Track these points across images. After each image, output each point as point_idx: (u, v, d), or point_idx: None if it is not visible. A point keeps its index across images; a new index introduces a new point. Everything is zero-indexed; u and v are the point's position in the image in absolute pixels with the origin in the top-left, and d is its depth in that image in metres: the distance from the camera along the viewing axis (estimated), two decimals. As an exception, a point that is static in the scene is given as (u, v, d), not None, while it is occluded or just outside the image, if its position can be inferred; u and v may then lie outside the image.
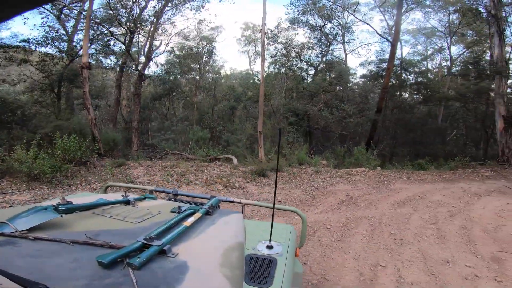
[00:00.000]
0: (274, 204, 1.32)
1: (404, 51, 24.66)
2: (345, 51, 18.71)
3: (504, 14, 11.22)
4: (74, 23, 12.30)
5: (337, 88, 15.89)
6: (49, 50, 11.21)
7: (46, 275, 0.69)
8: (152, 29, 13.08)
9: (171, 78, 15.74)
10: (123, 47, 12.76)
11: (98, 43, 12.25)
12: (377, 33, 15.89)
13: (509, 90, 14.59)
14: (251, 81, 17.55)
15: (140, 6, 12.42)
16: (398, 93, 17.14)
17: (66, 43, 11.51)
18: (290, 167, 8.10)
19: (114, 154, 9.22)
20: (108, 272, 0.73)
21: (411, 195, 5.87)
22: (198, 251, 0.94)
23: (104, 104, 16.06)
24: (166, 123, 16.85)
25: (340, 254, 3.39)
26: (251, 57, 25.21)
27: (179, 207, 1.35)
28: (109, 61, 13.94)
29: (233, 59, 55.27)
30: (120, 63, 13.51)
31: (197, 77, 18.19)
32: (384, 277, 3.02)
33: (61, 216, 1.03)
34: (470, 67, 14.95)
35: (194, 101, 17.32)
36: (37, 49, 11.10)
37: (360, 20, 16.35)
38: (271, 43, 16.04)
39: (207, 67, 18.77)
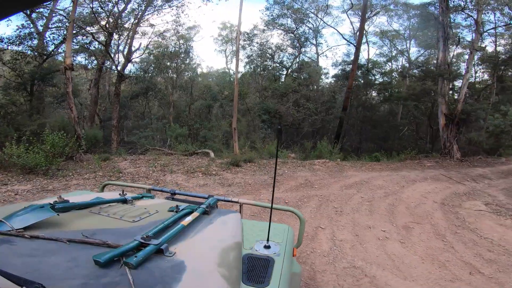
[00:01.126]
0: (272, 204, 1.35)
1: (372, 52, 26.50)
2: (317, 52, 19.83)
3: (452, 20, 12.49)
4: (45, 21, 12.41)
5: (309, 87, 17.02)
6: (21, 48, 11.32)
7: (42, 274, 0.69)
8: (131, 32, 13.50)
9: (147, 76, 16.03)
10: (100, 46, 13.05)
11: (77, 42, 12.51)
12: (343, 37, 17.29)
13: (465, 91, 16.53)
14: (228, 79, 18.19)
15: (120, 8, 12.80)
16: (364, 92, 18.58)
17: (36, 42, 11.63)
18: (261, 159, 9.10)
19: (96, 150, 9.74)
20: (104, 271, 0.74)
21: (358, 180, 7.03)
22: (196, 250, 0.95)
23: (76, 103, 15.96)
24: (145, 120, 17.20)
25: (292, 219, 4.40)
26: (228, 56, 25.23)
27: (177, 206, 1.36)
28: (80, 58, 14.19)
29: (210, 57, 54.84)
30: (98, 63, 13.78)
31: (174, 75, 18.36)
32: (322, 235, 4.10)
33: (58, 214, 1.02)
34: (417, 69, 16.61)
35: (171, 99, 17.57)
36: (9, 47, 11.20)
37: (329, 26, 17.69)
38: (247, 45, 16.88)
39: (184, 66, 18.93)
